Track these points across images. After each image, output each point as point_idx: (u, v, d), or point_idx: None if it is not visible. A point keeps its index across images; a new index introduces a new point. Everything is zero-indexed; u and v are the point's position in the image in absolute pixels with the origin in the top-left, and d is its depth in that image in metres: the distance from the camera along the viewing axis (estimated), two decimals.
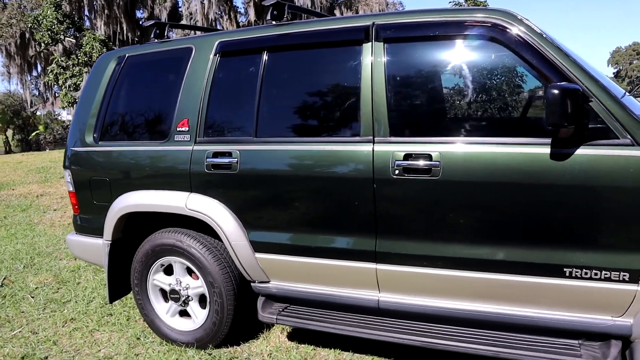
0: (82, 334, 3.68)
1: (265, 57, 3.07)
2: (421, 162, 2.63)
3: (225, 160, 3.08)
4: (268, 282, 3.21)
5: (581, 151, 2.38)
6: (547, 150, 2.42)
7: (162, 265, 3.45)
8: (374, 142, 2.75)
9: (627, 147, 2.33)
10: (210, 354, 3.30)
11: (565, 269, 2.45)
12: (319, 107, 3.02)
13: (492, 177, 2.51)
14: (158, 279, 3.47)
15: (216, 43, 3.26)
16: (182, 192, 3.22)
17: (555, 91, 2.21)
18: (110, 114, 3.60)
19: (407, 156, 2.66)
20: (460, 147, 2.59)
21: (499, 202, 2.54)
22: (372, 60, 2.79)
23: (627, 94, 2.79)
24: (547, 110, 2.24)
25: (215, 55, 3.24)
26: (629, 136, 2.34)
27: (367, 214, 2.78)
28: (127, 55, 3.64)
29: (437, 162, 2.59)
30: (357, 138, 2.80)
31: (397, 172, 2.67)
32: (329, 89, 3.00)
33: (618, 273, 2.38)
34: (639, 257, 2.34)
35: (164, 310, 3.51)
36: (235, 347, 3.39)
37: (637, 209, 2.31)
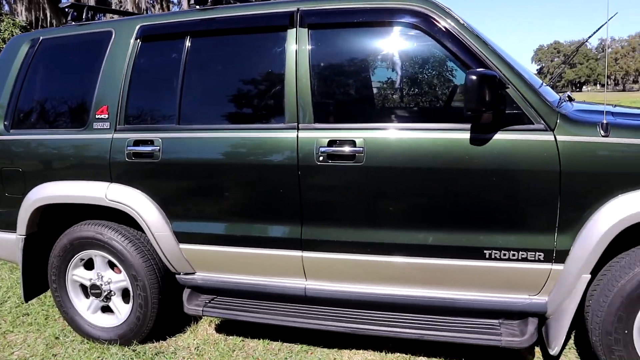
0: None
1: (188, 42, 2.94)
2: (345, 149, 2.59)
3: (147, 148, 2.93)
4: (193, 273, 3.09)
5: (499, 136, 2.41)
6: (467, 135, 2.44)
7: (82, 259, 3.25)
8: (298, 129, 2.69)
9: (541, 132, 2.38)
10: (134, 350, 3.14)
11: (485, 251, 2.49)
12: (243, 94, 2.93)
13: (415, 162, 2.50)
14: (78, 274, 3.26)
15: (137, 27, 3.08)
16: (102, 182, 3.03)
17: (473, 77, 2.23)
18: (22, 101, 3.34)
19: (332, 142, 2.62)
20: (384, 134, 2.57)
21: (422, 187, 2.54)
22: (297, 46, 2.72)
23: (543, 84, 2.87)
24: (466, 96, 2.25)
25: (136, 39, 3.07)
26: (542, 122, 2.39)
27: (293, 201, 2.71)
28: (41, 38, 3.39)
29: (361, 148, 2.56)
30: (282, 125, 2.73)
31: (321, 158, 2.62)
32: (253, 76, 2.91)
33: (534, 253, 2.44)
34: (551, 237, 2.40)
35: (84, 307, 3.31)
36: (161, 341, 3.25)
37: (550, 191, 2.37)
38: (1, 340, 3.36)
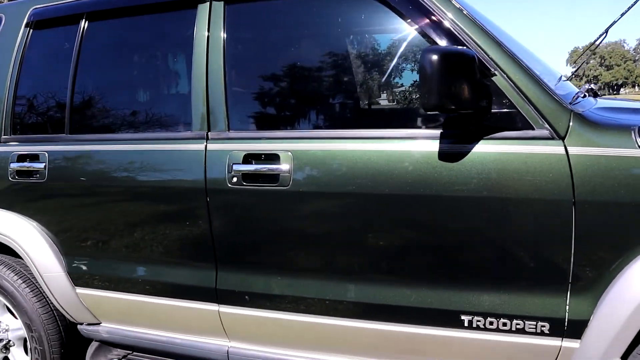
0: None
1: (81, 28, 2.17)
2: (265, 166, 1.77)
3: (33, 165, 2.18)
4: (98, 324, 2.32)
5: (480, 148, 1.54)
6: (435, 147, 1.58)
7: None
8: (207, 139, 1.88)
9: (545, 142, 1.50)
10: None
11: (463, 317, 1.61)
12: (144, 95, 2.14)
13: (362, 186, 1.65)
14: None
15: (29, 11, 2.34)
16: None
17: (432, 56, 1.37)
18: None
19: (248, 157, 1.80)
20: (319, 145, 1.74)
21: (370, 222, 1.69)
22: (209, 28, 1.91)
23: (563, 78, 1.99)
24: (421, 86, 1.40)
25: (27, 26, 2.32)
26: (547, 125, 1.51)
27: (204, 238, 1.91)
28: None
29: (287, 166, 1.73)
30: (188, 134, 1.93)
31: (234, 179, 1.80)
32: (157, 71, 2.13)
33: (534, 323, 1.55)
34: (561, 301, 1.51)
35: None
36: None
37: (558, 232, 1.48)
38: None
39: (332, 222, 1.73)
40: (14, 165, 2.20)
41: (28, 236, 2.20)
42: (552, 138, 1.49)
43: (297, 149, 1.73)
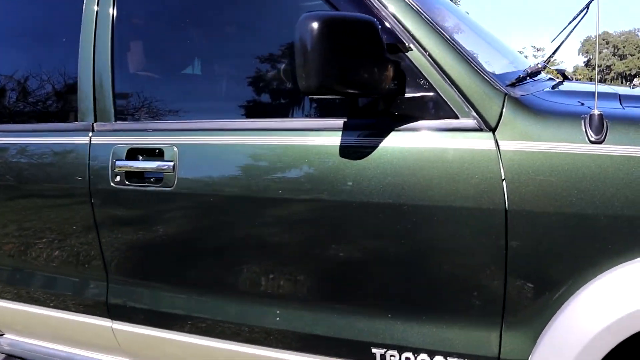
0: None
1: None
2: (148, 164, 1.45)
3: None
4: (1, 335, 2.04)
5: (390, 142, 1.20)
6: (336, 141, 1.25)
7: None
8: (92, 130, 1.57)
9: (470, 134, 1.16)
10: None
11: (374, 350, 1.29)
12: (30, 78, 1.82)
13: (249, 188, 1.33)
14: None
15: None
16: None
17: (312, 24, 1.03)
18: None
19: (133, 152, 1.48)
20: (208, 139, 1.41)
21: (260, 233, 1.36)
22: (97, 4, 1.59)
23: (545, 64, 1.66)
24: (299, 63, 1.06)
25: None
26: (474, 113, 1.16)
27: (91, 245, 1.60)
28: None
29: (170, 163, 1.41)
30: (73, 124, 1.62)
31: (117, 178, 1.49)
32: (44, 52, 1.80)
33: None
34: (491, 336, 1.18)
35: None
36: None
37: (486, 249, 1.15)
38: None
39: (219, 230, 1.41)
40: None
41: None
42: (480, 129, 1.15)
43: (183, 143, 1.41)
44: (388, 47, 1.16)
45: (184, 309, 1.51)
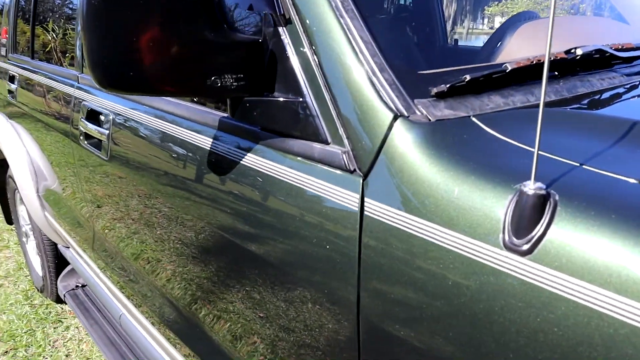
0: None
1: None
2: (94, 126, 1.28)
3: None
4: (67, 248, 2.22)
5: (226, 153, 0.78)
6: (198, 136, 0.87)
7: None
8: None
9: (337, 172, 0.66)
10: None
11: None
12: None
13: None
14: None
15: None
16: None
17: None
18: None
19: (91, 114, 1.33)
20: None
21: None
22: None
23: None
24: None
25: None
26: (346, 141, 0.65)
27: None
28: None
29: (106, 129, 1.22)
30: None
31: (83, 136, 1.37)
32: None
33: None
34: None
35: None
36: None
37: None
38: None
39: None
40: None
41: None
42: (347, 169, 0.64)
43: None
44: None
45: None
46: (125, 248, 1.28)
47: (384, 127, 0.60)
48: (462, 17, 1.44)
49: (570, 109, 0.67)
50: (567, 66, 0.77)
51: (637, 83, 0.79)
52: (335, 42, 0.67)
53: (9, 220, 3.03)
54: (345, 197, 0.63)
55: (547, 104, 0.67)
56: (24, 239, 2.74)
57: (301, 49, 0.70)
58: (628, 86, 0.77)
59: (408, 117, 0.60)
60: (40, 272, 2.50)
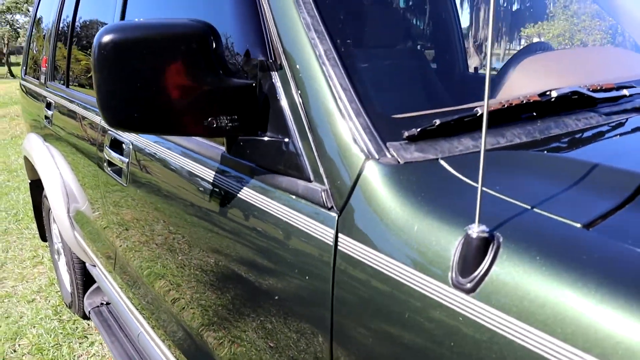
0: None
1: None
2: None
3: None
4: (94, 266, 2.33)
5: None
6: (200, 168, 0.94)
7: None
8: None
9: (316, 208, 0.71)
10: None
11: None
12: None
13: None
14: None
15: None
16: None
17: (105, 38, 0.75)
18: None
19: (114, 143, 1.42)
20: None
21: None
22: None
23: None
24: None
25: None
26: (325, 179, 0.70)
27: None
28: None
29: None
30: None
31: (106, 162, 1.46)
32: None
33: None
34: None
35: None
36: None
37: None
38: None
39: None
40: None
41: None
42: (324, 206, 0.69)
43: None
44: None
45: None
46: (141, 270, 1.36)
47: (357, 168, 0.65)
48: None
49: (534, 151, 0.70)
50: (546, 107, 0.80)
51: (614, 124, 0.81)
52: (319, 87, 0.72)
53: (44, 237, 3.19)
54: (322, 232, 0.68)
55: (515, 146, 0.70)
56: (56, 256, 2.87)
57: (290, 92, 0.76)
58: (604, 127, 0.80)
59: (379, 159, 0.65)
60: (69, 289, 2.62)
